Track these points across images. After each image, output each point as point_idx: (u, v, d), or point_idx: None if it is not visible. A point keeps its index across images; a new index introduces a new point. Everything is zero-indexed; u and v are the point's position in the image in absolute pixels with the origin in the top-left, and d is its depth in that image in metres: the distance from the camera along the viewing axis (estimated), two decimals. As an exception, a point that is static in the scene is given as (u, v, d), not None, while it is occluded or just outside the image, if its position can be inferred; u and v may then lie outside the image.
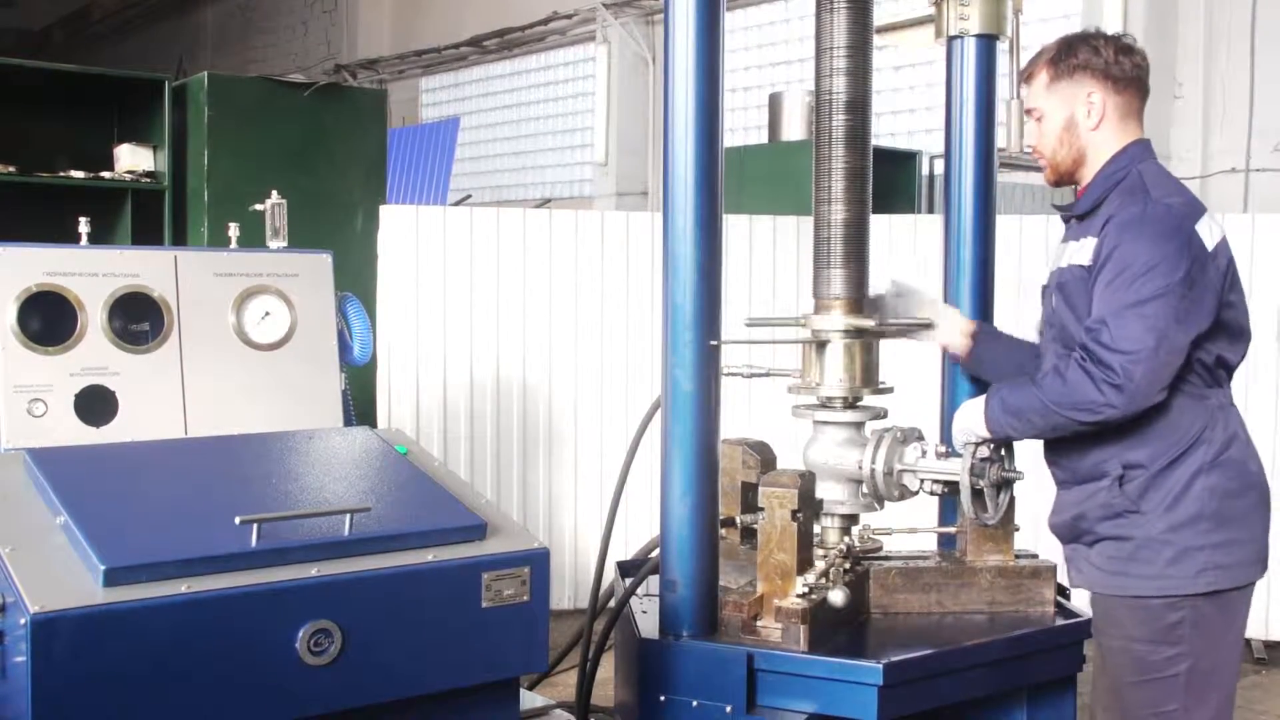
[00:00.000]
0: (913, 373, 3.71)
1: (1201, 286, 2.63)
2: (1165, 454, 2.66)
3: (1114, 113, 2.79)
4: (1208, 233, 2.67)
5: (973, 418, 2.83)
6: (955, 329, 3.25)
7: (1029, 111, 2.90)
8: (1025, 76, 2.92)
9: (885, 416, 3.27)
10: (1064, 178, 2.88)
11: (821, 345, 3.22)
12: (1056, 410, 2.61)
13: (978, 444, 2.87)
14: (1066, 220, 2.89)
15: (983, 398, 2.83)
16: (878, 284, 3.30)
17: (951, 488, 2.99)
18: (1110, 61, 2.77)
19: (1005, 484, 2.99)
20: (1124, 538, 2.71)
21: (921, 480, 3.08)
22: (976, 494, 2.92)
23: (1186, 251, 2.59)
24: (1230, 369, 2.77)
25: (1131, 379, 2.50)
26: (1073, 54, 2.80)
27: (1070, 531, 2.82)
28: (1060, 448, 2.84)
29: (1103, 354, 2.52)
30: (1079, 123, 2.80)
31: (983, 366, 3.26)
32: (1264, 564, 2.77)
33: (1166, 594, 2.65)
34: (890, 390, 3.28)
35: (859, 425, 3.24)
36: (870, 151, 3.30)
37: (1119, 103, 2.79)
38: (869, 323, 3.22)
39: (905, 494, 3.13)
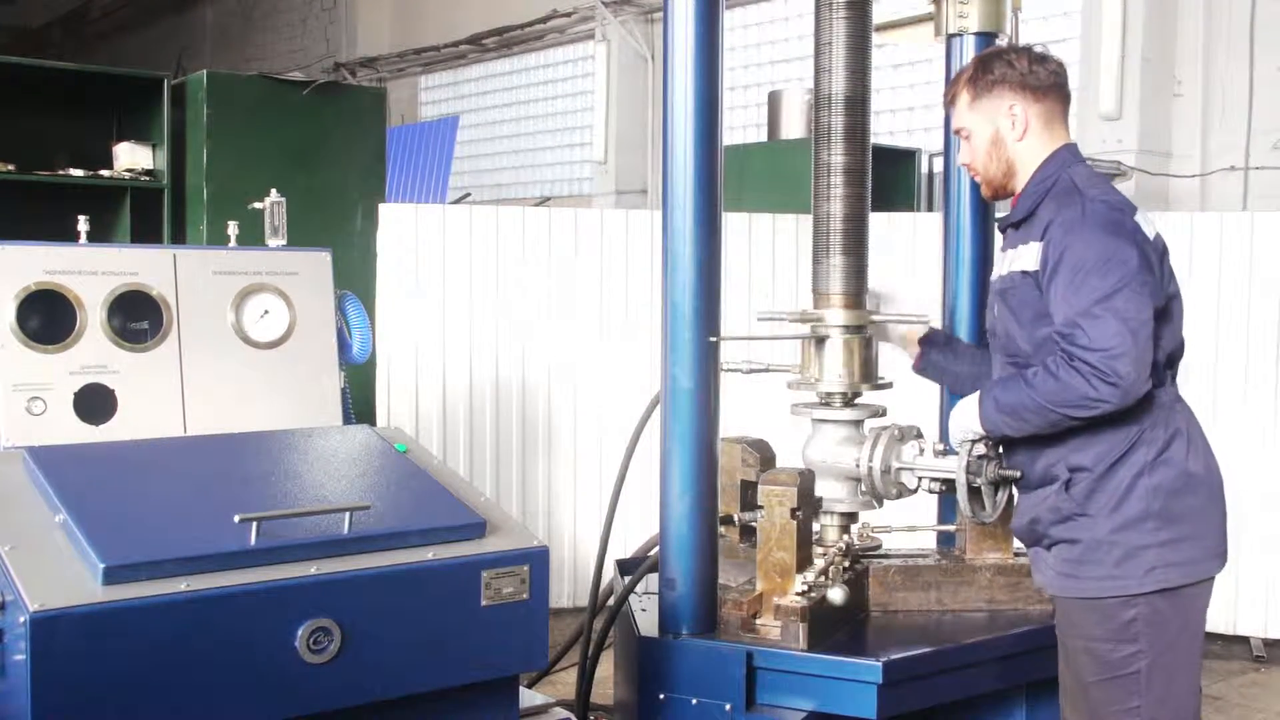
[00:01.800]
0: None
1: (1152, 271, 2.69)
2: (1107, 456, 2.70)
3: (1037, 121, 2.85)
4: (1146, 225, 2.75)
5: (969, 416, 2.84)
6: (900, 334, 3.38)
7: (957, 131, 2.97)
8: (949, 99, 2.99)
9: (884, 414, 3.27)
10: (999, 191, 2.95)
11: (821, 340, 3.23)
12: (1051, 408, 2.63)
13: (974, 441, 2.88)
14: (1004, 231, 2.94)
15: (977, 395, 2.84)
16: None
17: (950, 486, 2.99)
18: (1026, 72, 2.84)
19: (1003, 482, 2.99)
20: (1074, 540, 2.74)
21: (919, 478, 3.08)
22: (974, 492, 2.92)
23: (1133, 240, 2.66)
24: (1174, 365, 2.81)
25: (1118, 374, 2.54)
26: (989, 70, 2.87)
27: (1029, 535, 2.87)
28: (1015, 453, 2.88)
29: (1084, 355, 2.56)
30: (1005, 136, 2.87)
31: (930, 372, 3.39)
32: (1221, 558, 2.78)
33: (1117, 594, 2.69)
34: (889, 385, 3.28)
35: (858, 423, 3.24)
36: (869, 148, 3.31)
37: (1040, 110, 2.85)
38: (868, 318, 3.23)
39: (903, 492, 3.13)
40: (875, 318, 3.27)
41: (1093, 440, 2.70)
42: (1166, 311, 2.73)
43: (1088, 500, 2.72)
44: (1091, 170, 2.87)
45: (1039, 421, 2.69)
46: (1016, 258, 2.83)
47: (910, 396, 3.51)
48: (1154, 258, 2.71)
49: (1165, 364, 2.75)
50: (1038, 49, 2.90)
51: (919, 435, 3.16)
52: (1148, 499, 2.68)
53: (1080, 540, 2.73)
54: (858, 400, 3.25)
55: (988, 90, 2.86)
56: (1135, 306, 2.57)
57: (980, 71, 2.88)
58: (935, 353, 3.35)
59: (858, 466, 3.13)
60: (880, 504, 3.23)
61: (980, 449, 2.89)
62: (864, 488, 3.17)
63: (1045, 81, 2.85)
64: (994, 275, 3.00)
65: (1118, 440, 2.69)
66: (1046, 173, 2.83)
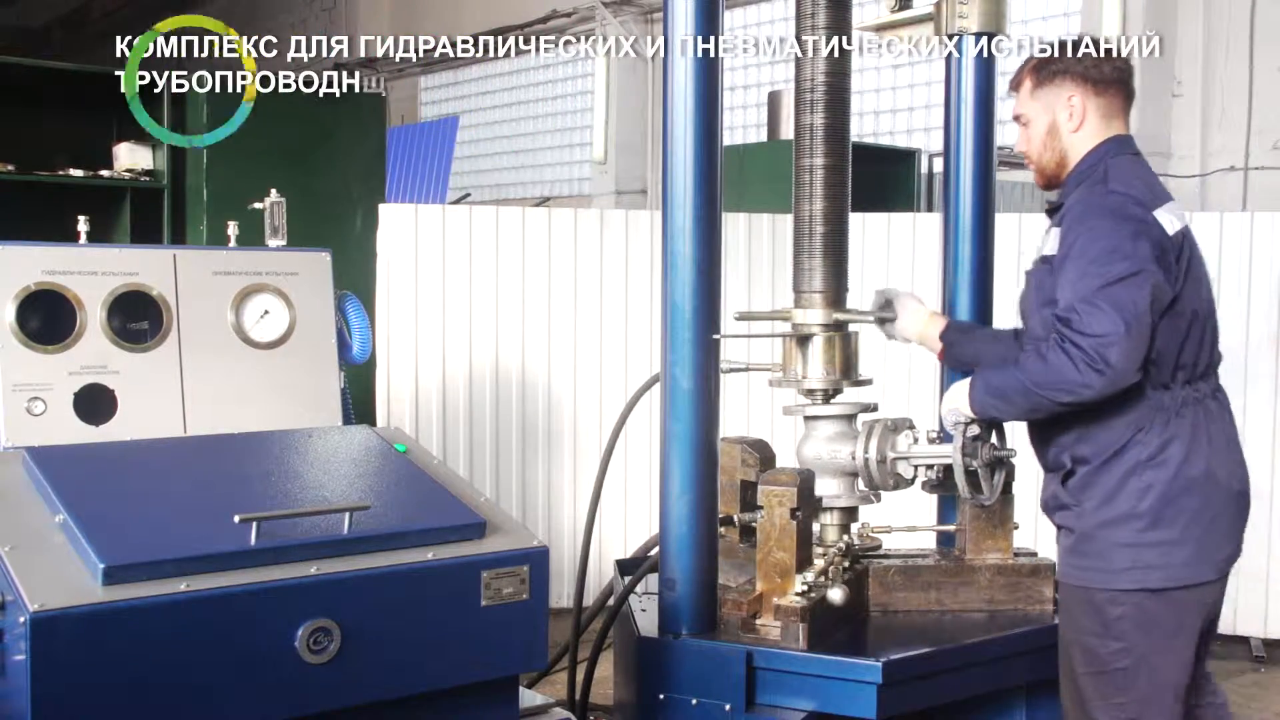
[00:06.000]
0: (909, 369, 3.71)
1: (1163, 266, 2.66)
2: (1104, 452, 2.73)
3: (1094, 114, 2.86)
4: (1167, 221, 2.72)
5: (959, 398, 2.88)
6: (918, 319, 3.31)
7: (1017, 118, 2.99)
8: (1013, 85, 3.00)
9: (876, 409, 3.28)
10: (1051, 180, 2.96)
11: (803, 339, 3.24)
12: (1036, 391, 2.66)
13: (967, 423, 2.90)
14: (1049, 216, 2.95)
15: (969, 379, 2.88)
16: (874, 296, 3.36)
17: (946, 472, 3.02)
18: (1089, 65, 2.86)
19: (998, 463, 3.01)
20: (1069, 529, 2.81)
21: (915, 467, 3.10)
22: (970, 474, 2.93)
23: (1144, 234, 2.65)
24: (1187, 367, 2.75)
25: (1107, 361, 2.55)
26: (1053, 61, 2.89)
27: (1047, 513, 2.93)
28: (1032, 436, 2.92)
29: (1076, 339, 2.58)
30: (1061, 125, 2.88)
31: (963, 361, 3.32)
32: (1215, 566, 2.75)
33: (1099, 586, 2.72)
34: (869, 382, 3.30)
35: (850, 418, 3.25)
36: (849, 149, 3.32)
37: (1100, 104, 2.86)
38: (845, 315, 3.24)
39: (900, 482, 3.14)
40: (843, 316, 3.25)
41: (1095, 433, 2.72)
42: (1174, 309, 2.70)
43: (1081, 492, 2.76)
44: (1133, 162, 2.85)
45: (1023, 404, 2.72)
46: (1046, 243, 2.85)
47: (907, 394, 3.51)
48: (1170, 255, 2.69)
49: (1175, 365, 2.72)
50: (1106, 45, 2.91)
51: (911, 426, 3.18)
52: (1136, 498, 2.70)
53: (1073, 530, 2.79)
54: (841, 395, 3.26)
55: (1050, 79, 2.88)
56: (1134, 298, 2.58)
57: (1045, 61, 2.90)
58: (958, 345, 3.29)
59: (854, 460, 3.14)
60: (878, 497, 3.24)
61: (974, 430, 2.91)
62: (861, 481, 3.18)
63: (1108, 76, 2.86)
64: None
65: (1115, 436, 2.71)
66: (1087, 162, 2.84)
